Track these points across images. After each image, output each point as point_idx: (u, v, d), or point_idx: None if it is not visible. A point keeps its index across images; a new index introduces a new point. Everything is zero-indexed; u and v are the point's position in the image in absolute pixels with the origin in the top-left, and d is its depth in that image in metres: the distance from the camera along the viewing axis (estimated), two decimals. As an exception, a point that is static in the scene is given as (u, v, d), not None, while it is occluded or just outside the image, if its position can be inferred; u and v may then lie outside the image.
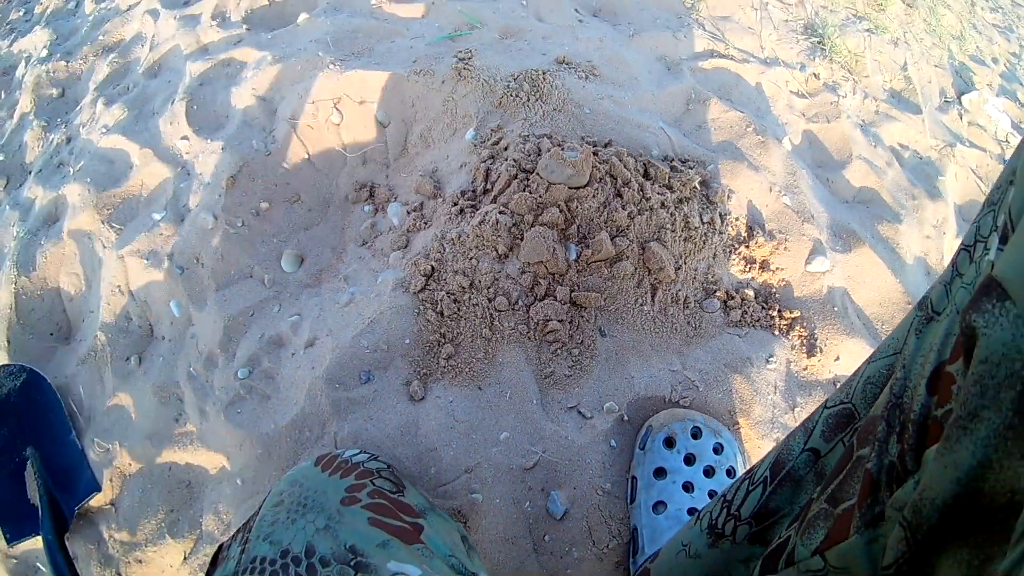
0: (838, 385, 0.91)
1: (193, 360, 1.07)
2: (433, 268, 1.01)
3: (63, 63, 1.80)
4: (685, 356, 0.97)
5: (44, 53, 1.90)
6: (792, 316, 1.04)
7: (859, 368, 0.44)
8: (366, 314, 1.00)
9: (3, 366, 1.25)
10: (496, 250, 0.99)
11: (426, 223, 1.10)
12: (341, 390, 0.95)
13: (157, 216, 1.21)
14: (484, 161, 1.08)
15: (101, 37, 1.82)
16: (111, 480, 1.12)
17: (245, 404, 1.01)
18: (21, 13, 2.28)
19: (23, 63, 1.96)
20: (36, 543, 1.16)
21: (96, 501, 1.12)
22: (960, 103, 1.77)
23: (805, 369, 1.01)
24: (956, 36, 2.12)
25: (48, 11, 2.16)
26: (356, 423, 0.93)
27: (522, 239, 0.99)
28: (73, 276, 1.30)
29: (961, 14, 2.30)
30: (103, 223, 1.29)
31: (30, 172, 1.63)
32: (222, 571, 0.70)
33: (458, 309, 0.99)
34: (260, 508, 0.74)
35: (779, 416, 0.96)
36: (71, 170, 1.45)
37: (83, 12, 2.02)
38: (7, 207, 1.57)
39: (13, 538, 1.15)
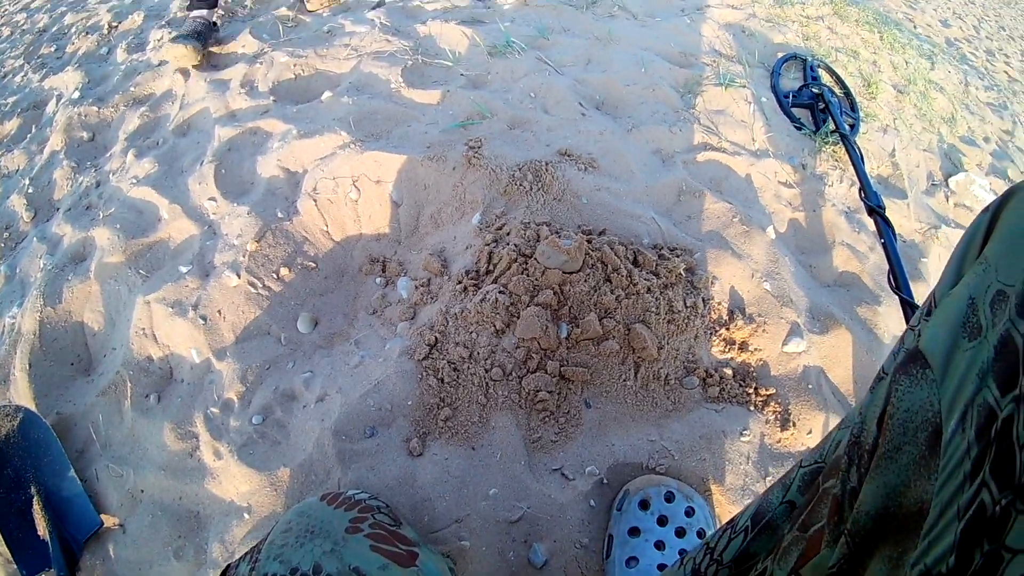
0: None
1: (210, 403, 1.15)
2: (437, 339, 1.09)
3: (95, 108, 1.87)
4: (663, 428, 1.01)
5: (76, 95, 1.97)
6: (768, 393, 1.07)
7: (830, 432, 0.50)
8: (374, 376, 1.08)
9: (1, 407, 1.29)
10: (494, 326, 1.07)
11: (432, 298, 1.19)
12: (347, 442, 1.04)
13: (184, 269, 1.30)
14: (488, 244, 1.16)
15: (132, 88, 1.90)
16: (122, 504, 1.18)
17: (257, 447, 1.09)
18: (53, 49, 2.34)
19: (54, 100, 2.02)
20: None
21: (106, 520, 1.17)
22: (947, 185, 1.73)
23: (779, 442, 1.04)
24: (947, 119, 2.07)
25: (80, 52, 2.23)
26: (359, 472, 1.02)
27: (519, 317, 1.07)
28: (97, 313, 1.37)
29: (954, 96, 2.26)
30: (130, 268, 1.37)
31: (58, 208, 1.69)
32: None
33: (457, 377, 1.06)
34: (268, 535, 0.80)
35: (751, 484, 0.98)
36: (100, 214, 1.52)
37: (115, 60, 2.10)
38: (35, 239, 1.63)
39: (29, 573, 1.18)
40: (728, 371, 1.08)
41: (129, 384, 1.23)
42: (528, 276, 1.09)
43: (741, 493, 0.97)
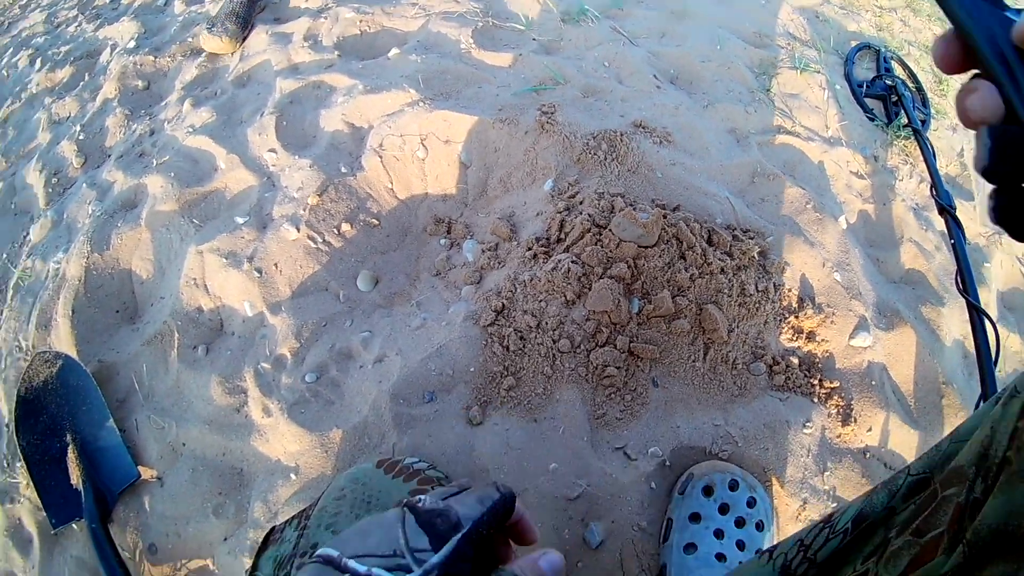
0: (868, 455, 1.05)
1: (262, 358, 1.17)
2: (504, 305, 1.11)
3: (151, 57, 1.93)
4: (728, 413, 1.04)
5: (132, 44, 2.03)
6: (832, 386, 1.10)
7: (939, 443, 0.52)
8: (435, 339, 1.09)
9: (38, 353, 1.34)
10: (565, 296, 1.08)
11: (500, 263, 1.20)
12: (404, 406, 1.05)
13: (240, 219, 1.32)
14: (560, 212, 1.18)
15: (190, 39, 1.95)
16: (162, 456, 1.20)
17: (309, 406, 1.11)
18: (108, 0, 2.42)
19: (108, 50, 2.09)
20: (77, 526, 1.23)
21: (144, 472, 1.19)
22: (1016, 190, 1.75)
23: (839, 437, 1.07)
24: (1018, 121, 2.08)
25: (136, 3, 2.30)
26: (415, 437, 1.03)
27: (590, 288, 1.08)
28: (146, 261, 1.40)
29: (1026, 96, 2.28)
30: (183, 217, 1.40)
31: (109, 155, 1.74)
32: (275, 551, 0.77)
33: (523, 346, 1.07)
34: (319, 500, 0.80)
35: (809, 478, 1.01)
36: (154, 162, 1.56)
37: (172, 11, 2.16)
38: (84, 185, 1.68)
39: (58, 522, 1.23)
40: (794, 360, 1.10)
41: (176, 334, 1.26)
42: (602, 247, 1.10)
43: (800, 486, 0.99)
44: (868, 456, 1.07)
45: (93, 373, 1.31)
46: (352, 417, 1.08)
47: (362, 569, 0.40)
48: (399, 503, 0.48)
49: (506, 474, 0.99)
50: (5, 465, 1.41)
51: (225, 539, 1.13)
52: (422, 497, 0.48)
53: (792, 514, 1.00)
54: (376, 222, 1.30)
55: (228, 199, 1.40)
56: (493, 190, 1.33)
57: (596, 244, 1.10)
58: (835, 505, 1.00)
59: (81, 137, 1.86)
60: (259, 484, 1.12)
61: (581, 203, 1.19)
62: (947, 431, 1.05)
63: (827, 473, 1.03)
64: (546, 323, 1.07)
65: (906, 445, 1.09)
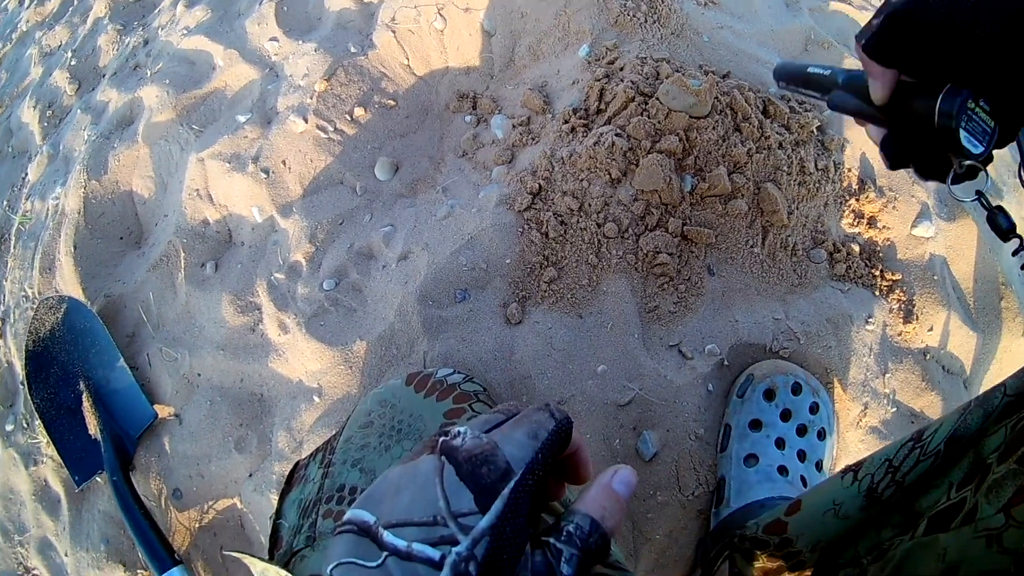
0: (928, 356, 1.05)
1: (275, 268, 1.12)
2: (541, 187, 1.04)
3: (141, -34, 1.88)
4: (788, 305, 1.01)
5: (120, -44, 1.98)
6: (893, 278, 1.08)
7: None
8: (466, 229, 1.03)
9: (42, 301, 1.34)
10: (609, 174, 1.01)
11: (533, 139, 1.12)
12: (434, 308, 0.99)
13: (242, 118, 1.26)
14: (599, 80, 1.10)
15: (181, -59, 1.88)
16: (177, 391, 1.18)
17: (329, 317, 1.05)
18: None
19: (97, -32, 2.05)
20: (101, 479, 1.24)
21: (160, 411, 1.17)
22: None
23: (900, 335, 1.05)
24: None
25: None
26: (448, 343, 0.97)
27: (637, 165, 1.02)
28: (147, 179, 1.37)
29: None
30: (182, 125, 1.35)
31: (103, 76, 1.71)
32: (299, 493, 0.72)
33: (564, 232, 1.01)
34: (344, 427, 0.76)
35: (871, 380, 0.99)
36: (148, 72, 1.53)
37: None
38: (78, 111, 1.67)
39: (81, 480, 1.24)
40: (855, 248, 1.08)
41: (182, 253, 1.23)
42: (648, 118, 1.03)
43: (861, 389, 0.98)
44: (928, 358, 1.05)
45: (100, 310, 1.30)
46: (377, 326, 1.02)
47: (401, 544, 0.36)
48: (433, 444, 0.42)
49: (549, 379, 0.94)
50: (25, 425, 1.43)
51: (250, 475, 1.11)
52: (460, 432, 0.42)
53: (852, 420, 0.99)
54: (393, 103, 1.21)
55: (228, 98, 1.35)
56: (521, 59, 1.24)
57: (642, 115, 1.03)
58: (895, 411, 1.00)
59: (73, 63, 1.85)
60: (281, 410, 1.08)
61: (622, 69, 1.11)
62: (1006, 336, 1.11)
63: (888, 375, 1.01)
64: (589, 205, 1.01)
65: (965, 348, 1.08)
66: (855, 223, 1.12)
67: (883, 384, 1.01)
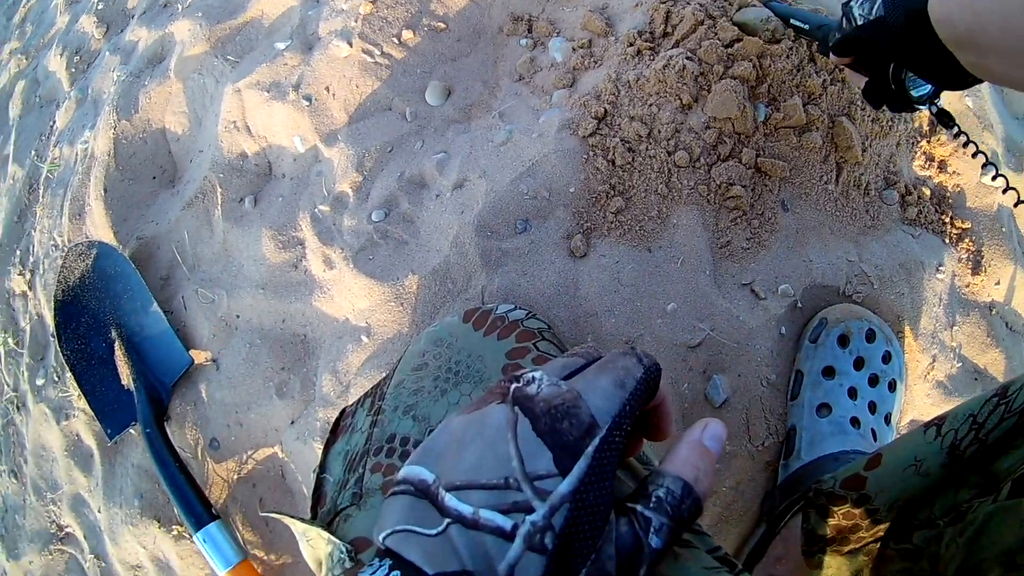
0: (994, 311, 1.06)
1: (319, 200, 1.10)
2: (606, 111, 1.00)
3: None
4: (862, 247, 1.00)
5: None
6: (963, 226, 1.07)
7: None
8: (526, 156, 0.99)
9: (72, 247, 1.33)
10: (680, 99, 0.97)
11: (596, 62, 1.08)
12: (493, 239, 0.96)
13: (281, 45, 1.23)
14: (664, 2, 1.05)
15: None
16: (215, 335, 1.16)
17: (378, 250, 1.03)
18: None
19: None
20: (135, 430, 1.23)
21: (196, 357, 1.15)
22: None
23: (968, 287, 1.06)
24: None
25: None
26: (508, 277, 0.94)
27: (709, 90, 0.98)
28: (180, 115, 1.35)
29: None
30: (216, 57, 1.34)
31: (132, 16, 1.68)
32: (345, 444, 0.69)
33: (632, 159, 0.98)
34: (395, 370, 0.72)
35: (939, 331, 0.99)
36: (179, 7, 1.50)
37: None
38: (107, 53, 1.65)
39: (114, 432, 1.24)
40: (926, 191, 1.09)
41: (219, 189, 1.20)
42: (720, 42, 0.99)
43: (930, 341, 0.99)
44: (994, 313, 1.06)
45: (132, 254, 1.29)
46: (430, 259, 0.99)
47: (467, 511, 0.33)
48: (503, 391, 0.38)
49: (616, 317, 0.91)
50: (56, 379, 1.43)
51: (292, 422, 1.09)
52: (535, 377, 0.38)
53: (921, 373, 0.98)
54: (443, 25, 1.17)
55: (266, 27, 1.32)
56: (580, -21, 1.17)
57: (713, 38, 1.00)
58: (960, 366, 1.01)
59: (100, 7, 1.84)
60: (326, 352, 1.06)
61: None
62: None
63: (955, 328, 1.02)
64: (658, 132, 0.97)
65: None
66: (927, 165, 1.11)
67: (951, 337, 1.01)
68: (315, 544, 0.55)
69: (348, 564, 0.50)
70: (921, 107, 0.70)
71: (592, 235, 0.97)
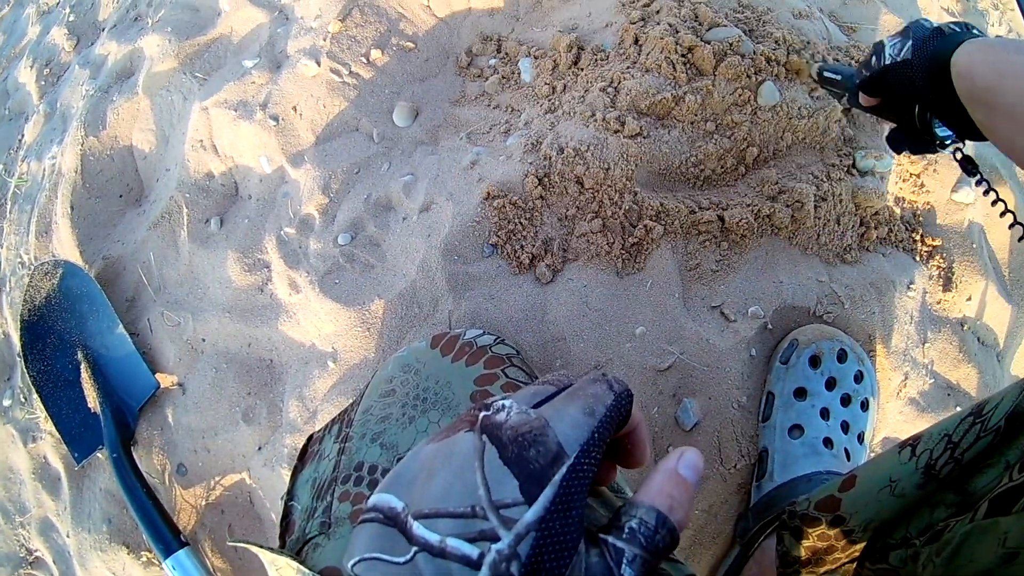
0: (965, 327, 1.06)
1: (285, 222, 1.08)
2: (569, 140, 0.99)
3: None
4: (832, 268, 1.01)
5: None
6: (933, 244, 1.08)
7: None
8: (493, 178, 0.99)
9: (37, 266, 1.31)
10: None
11: (564, 85, 1.05)
12: (460, 263, 0.95)
13: (249, 63, 1.22)
14: (633, 23, 1.06)
15: None
16: (180, 359, 1.14)
17: (344, 274, 1.01)
18: None
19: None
20: (102, 455, 1.20)
21: (163, 380, 1.14)
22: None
23: (939, 303, 1.06)
24: None
25: None
26: (475, 301, 0.93)
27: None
28: (148, 132, 1.33)
29: None
30: (185, 73, 1.32)
31: (103, 29, 1.67)
32: (313, 471, 0.68)
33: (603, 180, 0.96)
34: (363, 396, 0.71)
35: (911, 348, 1.00)
36: (149, 22, 1.49)
37: None
38: (76, 66, 1.64)
39: (81, 456, 1.21)
40: (897, 211, 1.09)
41: (185, 209, 1.19)
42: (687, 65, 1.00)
43: (902, 358, 0.99)
44: (965, 328, 1.06)
45: (98, 274, 1.27)
46: (397, 283, 0.98)
47: (434, 539, 0.33)
48: (472, 419, 0.38)
49: (585, 342, 0.91)
50: (23, 400, 1.40)
51: (259, 448, 1.08)
52: (504, 405, 0.38)
53: (894, 390, 0.98)
54: (412, 45, 1.16)
55: (235, 44, 1.31)
56: (549, 0, 1.16)
57: (678, 55, 1.00)
58: (932, 382, 1.01)
59: (72, 19, 1.82)
60: (292, 377, 1.04)
61: (658, 12, 1.07)
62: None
63: (927, 345, 1.03)
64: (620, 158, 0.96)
65: (1000, 320, 1.10)
66: (898, 182, 1.11)
67: (922, 354, 1.02)
68: (284, 574, 0.54)
69: None
70: (945, 149, 0.70)
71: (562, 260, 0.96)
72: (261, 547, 0.56)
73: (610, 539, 0.35)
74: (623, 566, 0.33)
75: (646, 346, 0.91)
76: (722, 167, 1.00)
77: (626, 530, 0.35)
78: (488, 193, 0.95)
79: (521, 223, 0.95)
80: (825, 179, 1.02)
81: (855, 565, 0.64)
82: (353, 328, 0.98)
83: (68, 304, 1.26)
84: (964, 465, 0.54)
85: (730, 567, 0.87)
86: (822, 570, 0.67)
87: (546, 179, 0.96)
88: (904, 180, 1.12)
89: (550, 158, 0.96)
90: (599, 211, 0.96)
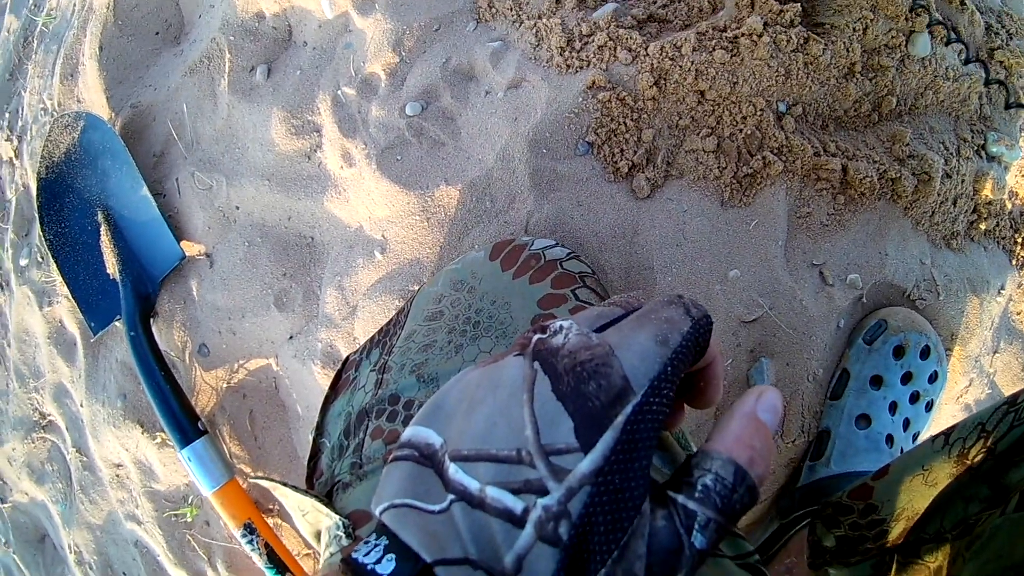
0: None
1: (344, 80, 0.95)
2: None
3: None
4: (937, 251, 0.95)
5: None
6: None
7: None
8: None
9: (57, 118, 1.19)
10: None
11: None
12: (548, 158, 0.82)
13: None
14: None
15: None
16: (210, 227, 1.04)
17: (408, 150, 0.88)
18: None
19: None
20: (120, 324, 1.11)
21: (189, 250, 1.03)
22: None
23: (1019, 314, 1.02)
24: None
25: None
26: (559, 205, 0.81)
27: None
28: (192, -39, 1.17)
29: None
30: None
31: None
32: (346, 403, 0.64)
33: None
34: (407, 314, 0.66)
35: (983, 355, 0.97)
36: None
37: None
38: None
39: (98, 327, 1.14)
40: (1008, 204, 1.03)
41: (228, 54, 1.06)
42: None
43: (972, 364, 0.97)
44: None
45: (124, 124, 1.16)
46: (470, 168, 0.85)
47: (473, 486, 0.29)
48: (524, 342, 0.33)
49: (674, 275, 0.82)
50: (40, 260, 1.32)
51: (291, 337, 1.00)
52: (561, 327, 0.33)
53: (955, 394, 0.97)
54: None
55: None
56: None
57: None
58: (989, 393, 0.99)
59: None
60: (333, 261, 0.94)
61: None
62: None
63: (996, 354, 1.00)
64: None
65: None
66: (1015, 176, 1.03)
67: (990, 363, 1.00)
68: (311, 519, 0.52)
69: (345, 541, 0.47)
70: None
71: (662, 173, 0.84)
72: (286, 486, 0.53)
73: (680, 498, 0.30)
74: (694, 532, 0.29)
75: (737, 293, 0.83)
76: (856, 111, 0.89)
77: (699, 487, 0.31)
78: (593, 82, 0.81)
79: (626, 124, 0.82)
80: (955, 154, 0.93)
81: (887, 558, 0.62)
82: (410, 216, 0.85)
83: (89, 160, 1.15)
84: (998, 457, 0.53)
85: (765, 540, 0.85)
86: (852, 560, 0.67)
87: (663, 81, 0.81)
88: (1019, 174, 1.03)
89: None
90: (716, 127, 0.83)
